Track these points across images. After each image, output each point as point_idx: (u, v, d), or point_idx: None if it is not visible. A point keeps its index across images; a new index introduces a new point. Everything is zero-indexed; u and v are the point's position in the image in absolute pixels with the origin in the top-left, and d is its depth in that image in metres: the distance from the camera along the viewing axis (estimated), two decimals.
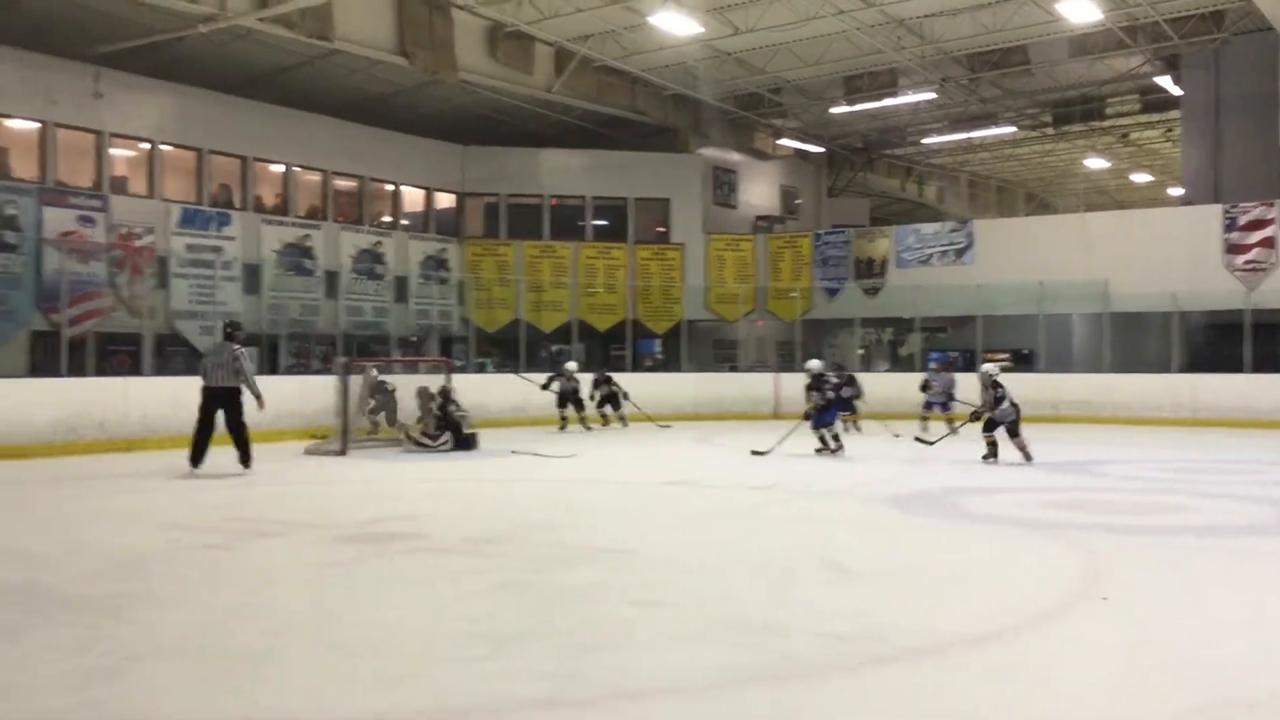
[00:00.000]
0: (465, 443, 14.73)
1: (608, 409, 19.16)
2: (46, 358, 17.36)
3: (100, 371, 18.17)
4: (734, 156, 28.19)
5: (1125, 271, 21.69)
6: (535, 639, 5.14)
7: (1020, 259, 23.27)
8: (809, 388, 14.82)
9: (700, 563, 7.13)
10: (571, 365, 19.02)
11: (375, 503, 9.92)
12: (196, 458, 11.62)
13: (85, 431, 14.27)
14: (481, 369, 23.04)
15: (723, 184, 27.85)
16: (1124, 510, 9.59)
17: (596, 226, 26.29)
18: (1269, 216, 20.88)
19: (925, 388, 17.96)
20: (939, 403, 17.68)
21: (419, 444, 14.70)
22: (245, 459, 11.85)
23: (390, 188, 24.37)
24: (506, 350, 24.00)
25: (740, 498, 10.30)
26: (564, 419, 18.52)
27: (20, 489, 10.44)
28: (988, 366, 13.49)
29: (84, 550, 7.39)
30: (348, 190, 23.62)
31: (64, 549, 7.43)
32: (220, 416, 11.76)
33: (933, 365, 19.41)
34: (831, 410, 14.38)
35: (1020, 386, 21.58)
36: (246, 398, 11.79)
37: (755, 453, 13.82)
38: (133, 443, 14.39)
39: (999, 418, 12.97)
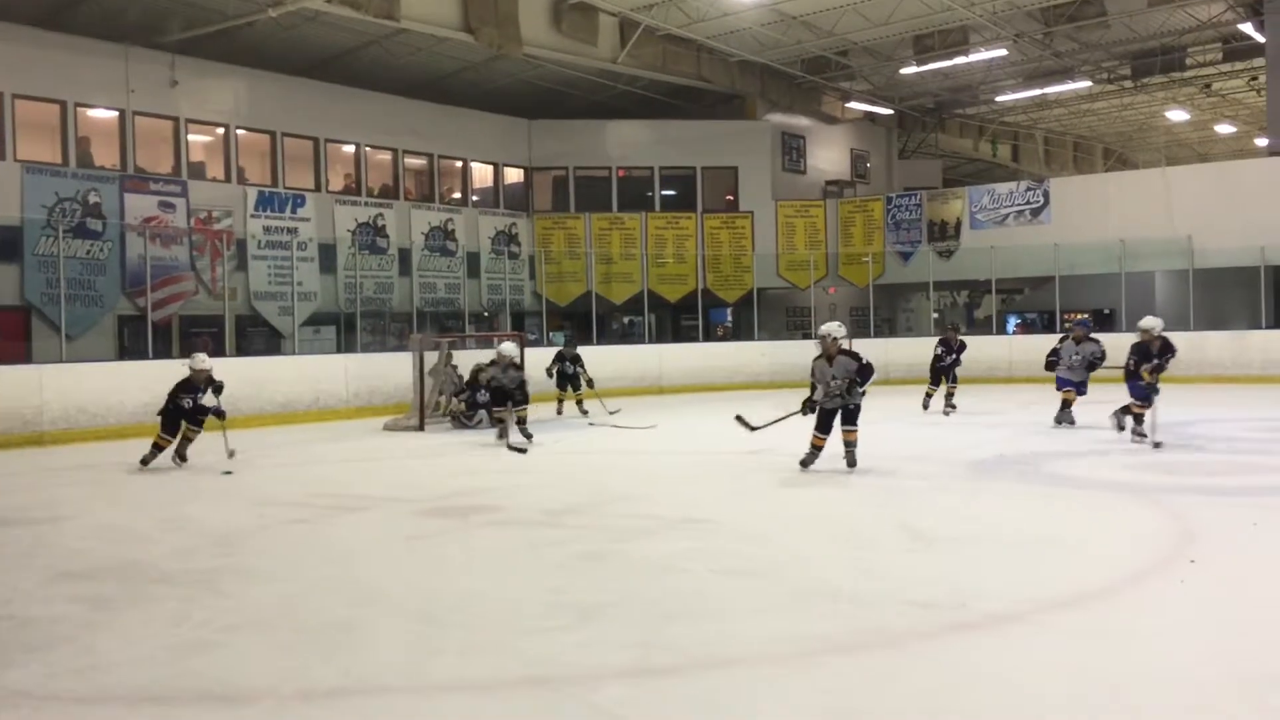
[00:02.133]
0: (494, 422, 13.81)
1: (568, 389, 16.21)
2: (133, 341, 17.83)
3: (185, 354, 18.62)
4: (802, 121, 27.86)
5: (1209, 226, 21.06)
6: (619, 609, 5.18)
7: (1099, 217, 22.73)
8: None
9: (782, 531, 7.12)
10: (509, 348, 13.17)
11: (455, 477, 10.05)
12: None
13: None
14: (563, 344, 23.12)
15: (791, 150, 27.56)
16: (1213, 472, 9.37)
17: (665, 197, 26.20)
18: None
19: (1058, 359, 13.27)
20: (1075, 382, 13.07)
21: (460, 423, 14.72)
22: None
23: (459, 164, 24.53)
24: (578, 323, 24.11)
25: (819, 465, 10.24)
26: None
27: (115, 470, 10.76)
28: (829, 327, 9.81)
29: (178, 527, 7.61)
30: (418, 168, 23.83)
31: (158, 526, 7.66)
32: None
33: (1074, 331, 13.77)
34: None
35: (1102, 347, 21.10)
36: None
37: (742, 421, 10.40)
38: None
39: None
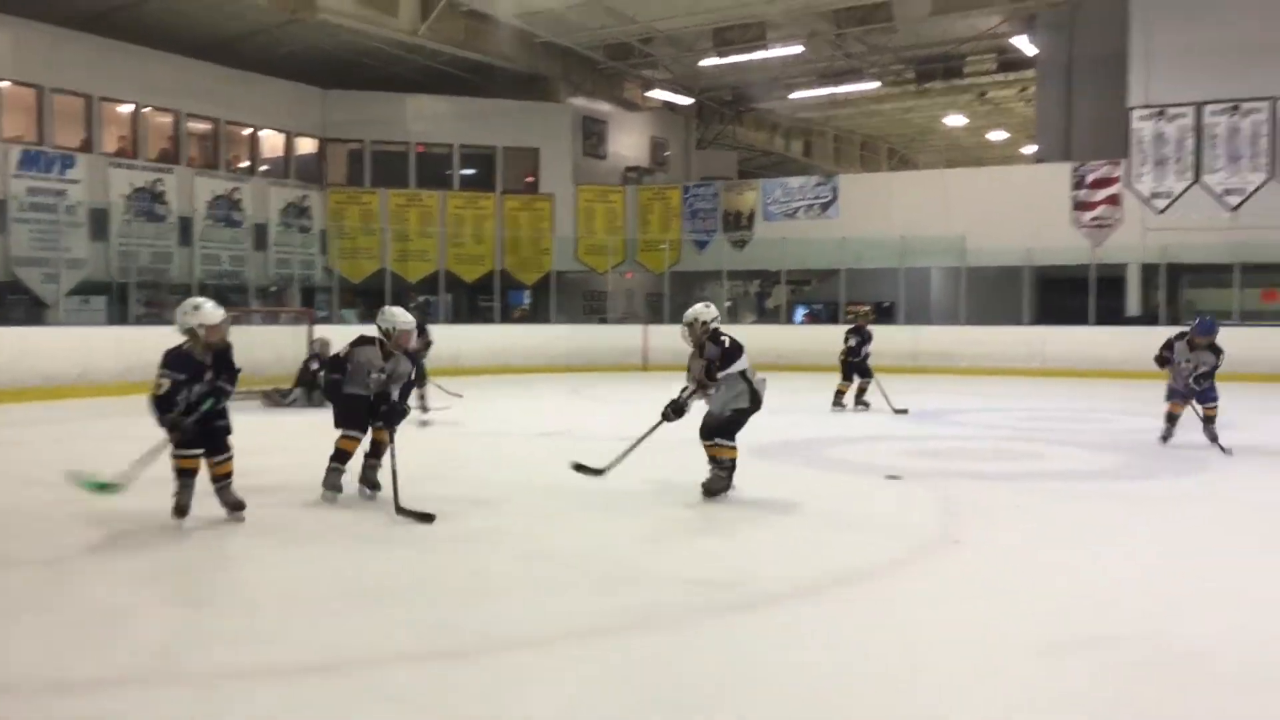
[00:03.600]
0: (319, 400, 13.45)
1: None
2: None
3: None
4: (604, 107, 28.00)
5: (981, 227, 22.30)
6: (405, 592, 5.07)
7: (883, 213, 23.76)
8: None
9: (575, 514, 7.12)
10: (403, 317, 8.68)
11: (241, 456, 9.59)
12: None
13: None
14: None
15: (592, 134, 27.65)
16: (979, 457, 9.95)
17: (464, 176, 25.83)
18: (1114, 175, 21.78)
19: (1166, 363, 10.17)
20: (1189, 392, 10.05)
21: (272, 400, 13.94)
22: None
23: (248, 131, 23.46)
24: (371, 301, 23.49)
25: (613, 450, 10.30)
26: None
27: None
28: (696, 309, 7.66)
29: None
30: (202, 133, 22.65)
31: None
32: None
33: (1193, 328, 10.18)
34: None
35: (881, 339, 22.13)
36: None
37: (583, 469, 7.91)
38: None
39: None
